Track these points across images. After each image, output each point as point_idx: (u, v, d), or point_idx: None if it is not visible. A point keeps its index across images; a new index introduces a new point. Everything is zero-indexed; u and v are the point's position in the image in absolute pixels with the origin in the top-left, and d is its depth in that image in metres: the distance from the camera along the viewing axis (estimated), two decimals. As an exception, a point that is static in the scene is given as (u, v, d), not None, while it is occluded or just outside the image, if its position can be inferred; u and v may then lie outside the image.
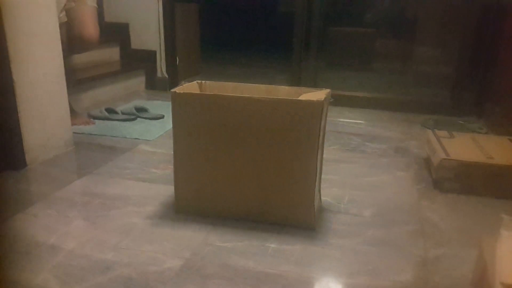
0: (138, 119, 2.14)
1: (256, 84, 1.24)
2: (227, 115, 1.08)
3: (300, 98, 1.09)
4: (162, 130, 1.96)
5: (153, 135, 1.90)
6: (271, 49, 4.73)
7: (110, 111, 2.14)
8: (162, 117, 2.15)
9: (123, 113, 2.16)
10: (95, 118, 2.10)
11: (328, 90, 1.15)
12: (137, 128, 1.99)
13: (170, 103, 1.11)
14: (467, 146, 1.51)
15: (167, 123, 2.06)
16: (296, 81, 2.56)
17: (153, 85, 2.86)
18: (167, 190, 1.34)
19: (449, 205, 1.32)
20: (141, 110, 2.19)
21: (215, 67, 3.78)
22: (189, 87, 1.22)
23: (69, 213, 1.20)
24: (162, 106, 2.33)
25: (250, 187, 1.13)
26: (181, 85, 1.20)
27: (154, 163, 1.58)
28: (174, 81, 2.86)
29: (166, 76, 2.83)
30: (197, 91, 1.25)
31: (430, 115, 2.27)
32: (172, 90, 1.10)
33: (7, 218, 1.17)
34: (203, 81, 1.27)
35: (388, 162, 1.63)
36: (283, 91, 1.22)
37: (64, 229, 1.12)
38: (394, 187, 1.43)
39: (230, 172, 1.13)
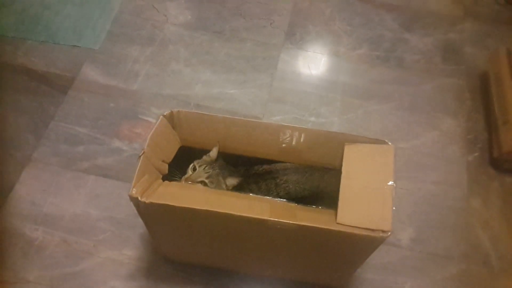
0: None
1: (262, 122, 0.73)
2: (226, 232, 0.68)
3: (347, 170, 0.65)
4: (106, 15, 1.33)
5: (96, 32, 1.30)
6: None
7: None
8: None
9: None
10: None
11: (392, 152, 0.67)
12: (70, 12, 1.34)
13: None
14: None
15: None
16: None
17: None
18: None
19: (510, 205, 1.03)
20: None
21: None
22: (161, 131, 0.71)
23: (26, 271, 0.93)
24: None
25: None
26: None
27: (114, 121, 1.14)
28: None
29: None
30: (173, 134, 0.74)
31: None
32: (132, 193, 0.63)
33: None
34: (176, 111, 0.73)
35: (432, 94, 1.19)
36: (311, 140, 0.73)
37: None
38: (439, 162, 1.09)
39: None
